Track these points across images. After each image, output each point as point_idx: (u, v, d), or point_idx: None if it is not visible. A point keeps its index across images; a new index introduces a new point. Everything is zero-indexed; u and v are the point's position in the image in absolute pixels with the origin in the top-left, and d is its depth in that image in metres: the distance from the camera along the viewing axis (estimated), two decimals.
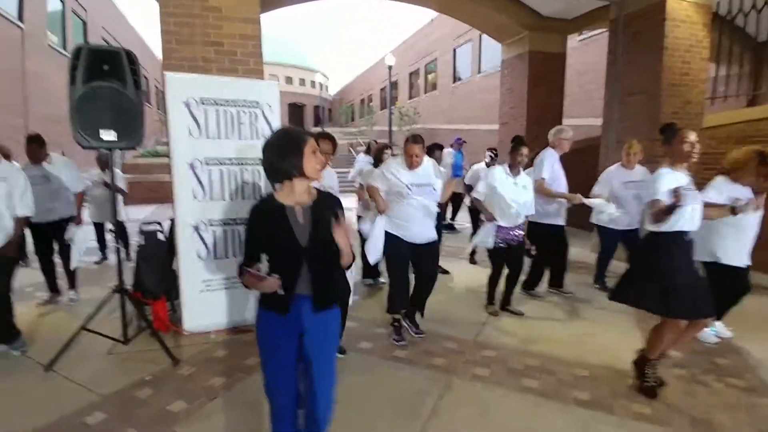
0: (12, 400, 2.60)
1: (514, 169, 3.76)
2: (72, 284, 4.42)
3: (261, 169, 3.40)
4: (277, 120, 3.54)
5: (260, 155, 3.26)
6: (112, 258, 5.85)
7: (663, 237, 2.54)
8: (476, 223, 5.50)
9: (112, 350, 3.20)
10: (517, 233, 3.80)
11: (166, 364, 2.99)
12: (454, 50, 19.04)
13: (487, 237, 3.76)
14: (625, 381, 2.77)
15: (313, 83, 44.00)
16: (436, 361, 3.07)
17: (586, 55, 11.00)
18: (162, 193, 11.16)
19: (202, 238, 3.44)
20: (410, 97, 24.27)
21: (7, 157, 4.27)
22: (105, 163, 5.49)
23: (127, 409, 2.51)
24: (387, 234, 3.26)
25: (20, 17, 11.04)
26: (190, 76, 3.30)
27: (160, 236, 3.88)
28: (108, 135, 2.82)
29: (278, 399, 1.74)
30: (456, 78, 19.15)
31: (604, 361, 3.07)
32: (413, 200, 3.22)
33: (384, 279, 4.77)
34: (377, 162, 4.80)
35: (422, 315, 3.60)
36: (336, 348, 1.87)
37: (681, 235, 2.53)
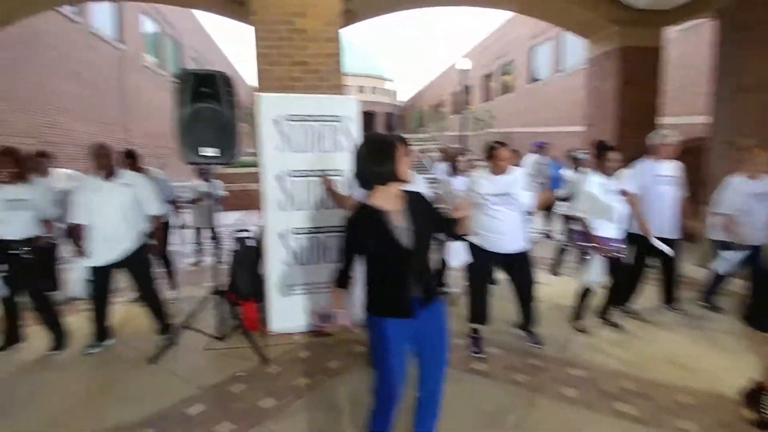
0: (121, 391, 2.91)
1: (605, 175, 3.54)
2: (173, 285, 4.90)
3: (340, 179, 3.59)
4: (356, 132, 3.66)
5: (339, 166, 3.41)
6: (206, 260, 6.39)
7: None
8: (570, 234, 5.15)
9: (208, 346, 3.49)
10: (618, 244, 3.53)
11: (256, 362, 3.20)
12: (532, 50, 18.36)
13: (598, 273, 3.51)
14: (736, 412, 2.48)
15: (384, 91, 44.77)
16: (518, 377, 2.96)
17: (686, 46, 10.03)
18: (247, 201, 11.83)
19: (287, 246, 3.65)
20: (484, 101, 23.79)
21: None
22: (204, 176, 6.05)
23: (223, 402, 2.72)
24: (469, 243, 3.23)
25: (121, 40, 12.45)
26: (279, 95, 3.54)
27: (250, 242, 4.17)
28: (208, 152, 3.10)
29: (389, 398, 1.80)
30: (533, 79, 18.45)
31: (711, 387, 2.76)
32: (493, 210, 3.16)
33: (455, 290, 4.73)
34: (453, 168, 4.80)
35: (528, 321, 3.46)
36: (448, 341, 1.91)
37: None
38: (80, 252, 3.41)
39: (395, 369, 1.76)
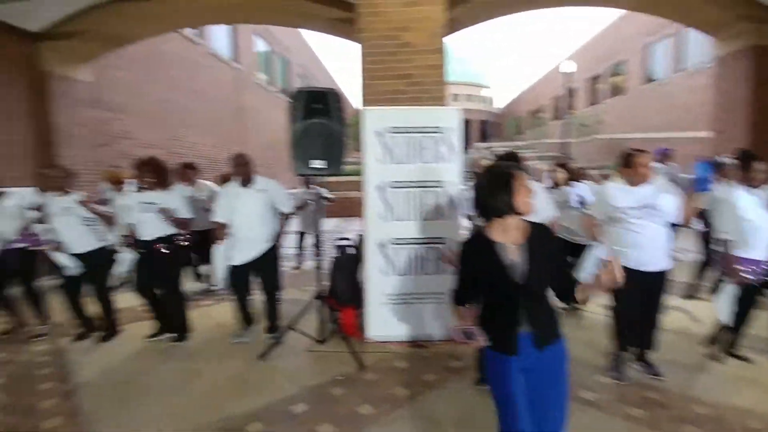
0: (233, 383, 3.16)
1: (751, 187, 3.09)
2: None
3: (441, 191, 3.57)
4: (458, 143, 3.63)
5: (440, 177, 3.41)
6: (306, 264, 6.77)
7: None
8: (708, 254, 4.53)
9: (310, 347, 3.68)
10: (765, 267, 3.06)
11: (354, 368, 3.30)
12: (647, 48, 16.75)
13: (729, 307, 3.10)
14: None
15: (479, 98, 43.94)
16: (634, 412, 2.67)
17: None
18: (347, 208, 12.27)
19: (386, 255, 3.72)
20: (589, 104, 22.22)
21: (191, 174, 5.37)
22: (309, 183, 6.47)
23: (324, 404, 2.84)
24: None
25: (236, 59, 13.70)
26: (382, 109, 3.65)
27: (351, 250, 4.33)
28: (317, 164, 3.29)
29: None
30: (649, 79, 16.80)
31: None
32: (632, 224, 2.86)
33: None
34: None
35: (648, 349, 3.13)
36: (567, 388, 1.74)
37: None
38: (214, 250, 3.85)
39: (517, 407, 1.63)
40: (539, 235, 1.69)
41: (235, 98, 13.63)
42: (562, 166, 4.63)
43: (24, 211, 3.92)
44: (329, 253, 4.40)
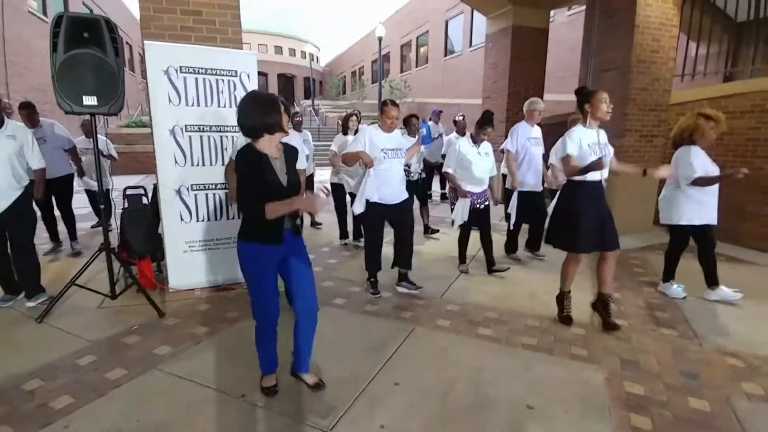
0: (5, 349, 2.79)
1: (476, 140, 4.06)
2: (73, 236, 5.05)
3: (239, 135, 3.60)
4: (254, 88, 3.67)
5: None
6: (100, 221, 6.04)
7: (574, 186, 2.95)
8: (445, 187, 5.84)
9: (101, 305, 3.43)
10: (483, 197, 4.10)
11: (153, 317, 3.23)
12: (447, 22, 18.83)
13: (464, 213, 4.05)
14: (571, 331, 3.07)
15: (303, 54, 43.16)
16: (403, 314, 3.33)
17: (573, 30, 11.02)
18: (148, 163, 11.07)
19: (184, 202, 3.62)
20: (402, 71, 24.06)
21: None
22: (90, 131, 5.59)
23: (116, 352, 2.74)
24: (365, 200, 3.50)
25: None
26: (169, 44, 3.40)
27: (144, 200, 4.06)
28: (90, 100, 2.95)
29: (268, 316, 2.16)
30: (448, 51, 19.01)
31: (554, 313, 3.33)
32: (388, 164, 3.46)
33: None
34: (345, 129, 5.06)
35: (410, 268, 3.81)
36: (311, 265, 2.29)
37: (589, 183, 2.90)
38: None
39: (268, 290, 2.11)
40: (291, 151, 2.13)
41: None
42: (347, 117, 5.17)
43: None
44: (121, 206, 4.02)
